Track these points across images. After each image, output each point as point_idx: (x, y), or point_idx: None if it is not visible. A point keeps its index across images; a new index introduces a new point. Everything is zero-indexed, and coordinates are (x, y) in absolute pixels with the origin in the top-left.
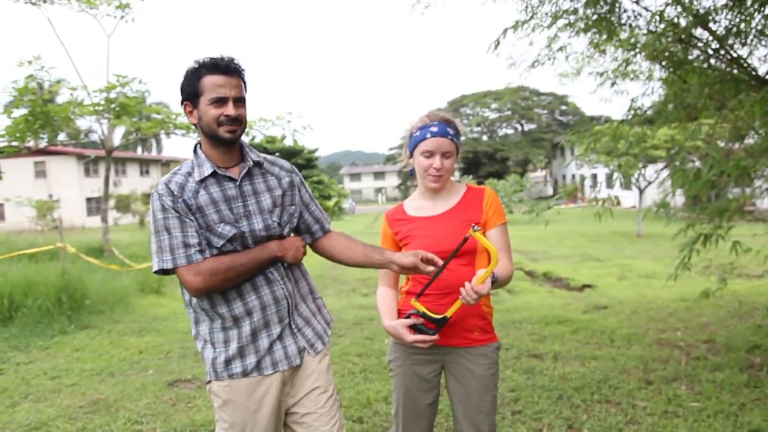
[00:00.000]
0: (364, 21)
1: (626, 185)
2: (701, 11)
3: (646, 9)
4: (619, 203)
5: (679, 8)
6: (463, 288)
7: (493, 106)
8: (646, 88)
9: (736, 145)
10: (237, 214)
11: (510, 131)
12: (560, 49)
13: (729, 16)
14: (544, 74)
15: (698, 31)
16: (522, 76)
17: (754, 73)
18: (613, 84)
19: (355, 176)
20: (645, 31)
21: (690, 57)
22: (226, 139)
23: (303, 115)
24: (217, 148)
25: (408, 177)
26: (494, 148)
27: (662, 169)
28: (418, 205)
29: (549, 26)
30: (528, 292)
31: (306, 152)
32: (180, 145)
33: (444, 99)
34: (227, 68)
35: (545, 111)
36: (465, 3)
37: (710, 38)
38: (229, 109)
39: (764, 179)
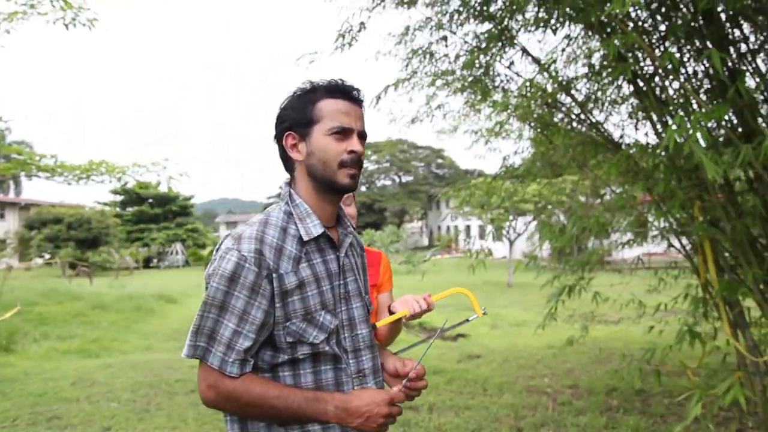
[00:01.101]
0: (246, 67)
1: (498, 237)
2: (565, 80)
3: (517, 74)
4: (490, 254)
5: (546, 75)
6: (414, 297)
7: (373, 157)
8: (518, 147)
9: (596, 200)
10: (336, 296)
11: (388, 182)
12: (438, 107)
13: (588, 85)
14: (423, 129)
15: (563, 97)
16: (401, 131)
17: (609, 137)
18: (487, 141)
19: (232, 225)
20: (516, 94)
21: (556, 120)
22: (344, 186)
23: (181, 162)
24: (326, 197)
25: None
26: (372, 198)
27: (530, 222)
28: None
29: (429, 85)
30: (404, 343)
31: (181, 199)
32: (42, 189)
33: None
34: (351, 94)
35: (422, 164)
36: (348, 58)
37: (573, 104)
38: (355, 144)
39: (620, 233)
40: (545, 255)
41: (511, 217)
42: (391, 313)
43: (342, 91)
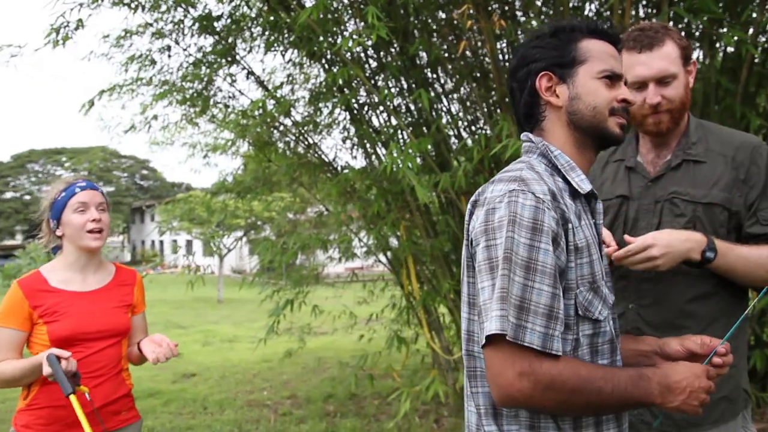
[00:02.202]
0: None
1: (209, 252)
2: (288, 102)
3: (240, 92)
4: (198, 270)
5: (269, 96)
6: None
7: (67, 164)
8: (238, 166)
9: (302, 217)
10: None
11: None
12: (155, 117)
13: (305, 109)
14: (129, 139)
15: (282, 118)
16: (114, 140)
17: (325, 159)
18: (205, 156)
19: None
20: (236, 111)
21: (274, 138)
22: (614, 136)
23: None
24: (587, 151)
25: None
26: None
27: (241, 238)
28: (64, 277)
29: (156, 98)
30: None
31: None
32: None
33: (7, 152)
34: (616, 38)
35: (125, 174)
36: (60, 56)
37: (291, 125)
38: (626, 92)
39: (333, 250)
40: (252, 270)
41: (221, 233)
42: (139, 349)
43: (606, 34)
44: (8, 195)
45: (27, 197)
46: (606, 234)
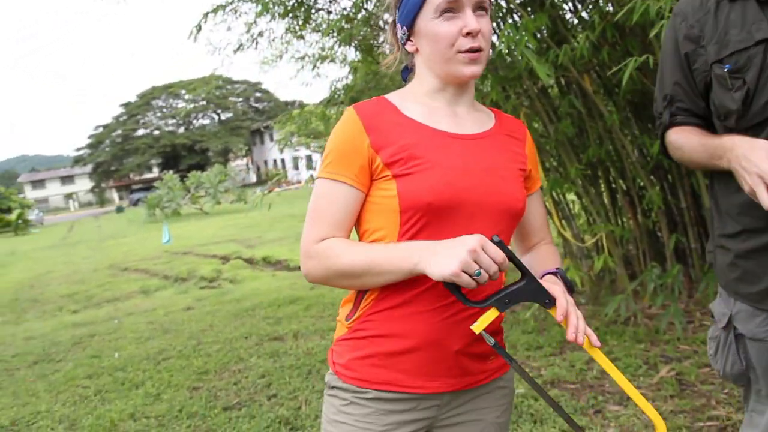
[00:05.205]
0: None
1: None
2: None
3: None
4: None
5: None
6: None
7: (186, 96)
8: (348, 73)
9: None
10: None
11: (206, 121)
12: (260, 34)
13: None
14: (237, 64)
15: (387, 17)
16: (225, 62)
17: None
18: (314, 67)
19: (38, 183)
20: (339, 16)
21: (381, 41)
22: None
23: None
24: None
25: (102, 178)
26: (192, 139)
27: None
28: (426, 108)
29: (260, 14)
30: (251, 279)
31: None
32: None
33: (133, 92)
34: None
35: (240, 99)
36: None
37: None
38: None
39: None
40: None
41: None
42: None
43: None
44: (140, 132)
45: (156, 132)
46: None
